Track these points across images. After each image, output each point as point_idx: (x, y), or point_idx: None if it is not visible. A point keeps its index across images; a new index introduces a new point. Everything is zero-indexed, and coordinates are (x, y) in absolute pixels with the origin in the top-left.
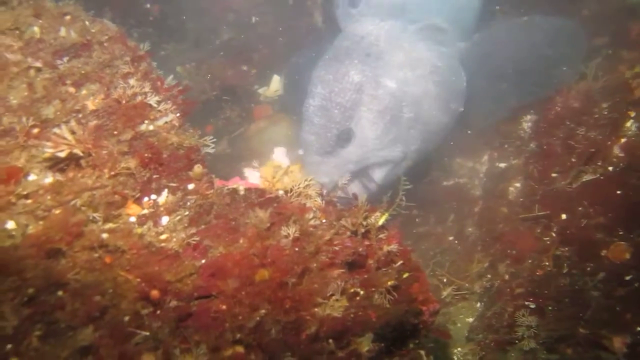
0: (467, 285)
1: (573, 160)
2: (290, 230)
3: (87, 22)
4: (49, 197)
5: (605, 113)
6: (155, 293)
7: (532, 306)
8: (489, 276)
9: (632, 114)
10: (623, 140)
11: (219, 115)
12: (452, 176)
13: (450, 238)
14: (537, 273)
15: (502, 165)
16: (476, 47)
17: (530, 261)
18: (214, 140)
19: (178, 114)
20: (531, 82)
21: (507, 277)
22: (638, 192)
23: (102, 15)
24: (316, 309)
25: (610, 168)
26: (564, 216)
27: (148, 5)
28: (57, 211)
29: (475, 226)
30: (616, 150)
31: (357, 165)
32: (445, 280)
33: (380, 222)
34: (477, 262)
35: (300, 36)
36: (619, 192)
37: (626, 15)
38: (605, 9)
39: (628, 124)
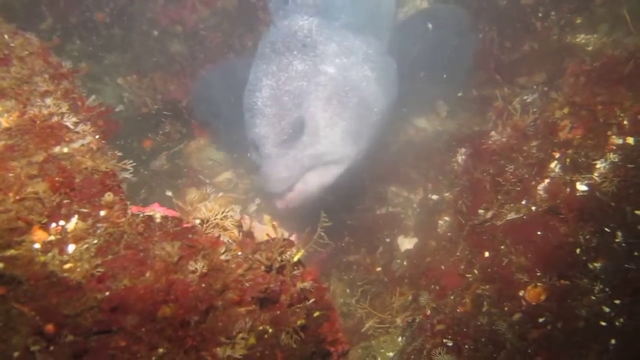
0: (389, 318)
1: (499, 197)
2: (198, 266)
3: (6, 36)
4: None
5: (534, 151)
6: (50, 327)
7: (450, 344)
8: (411, 310)
9: (557, 155)
10: (547, 181)
11: (158, 130)
12: (387, 205)
13: (379, 269)
14: (459, 310)
15: (435, 197)
16: (393, 41)
17: (452, 297)
18: (132, 166)
19: (97, 136)
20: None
21: (429, 312)
22: (557, 235)
23: (43, 21)
24: (218, 349)
25: (534, 208)
26: (487, 254)
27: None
28: None
29: (403, 258)
30: (540, 191)
31: (312, 160)
32: (367, 312)
33: (296, 258)
34: (400, 295)
35: (248, 52)
36: (539, 233)
37: (564, 54)
38: (544, 46)
39: (552, 164)
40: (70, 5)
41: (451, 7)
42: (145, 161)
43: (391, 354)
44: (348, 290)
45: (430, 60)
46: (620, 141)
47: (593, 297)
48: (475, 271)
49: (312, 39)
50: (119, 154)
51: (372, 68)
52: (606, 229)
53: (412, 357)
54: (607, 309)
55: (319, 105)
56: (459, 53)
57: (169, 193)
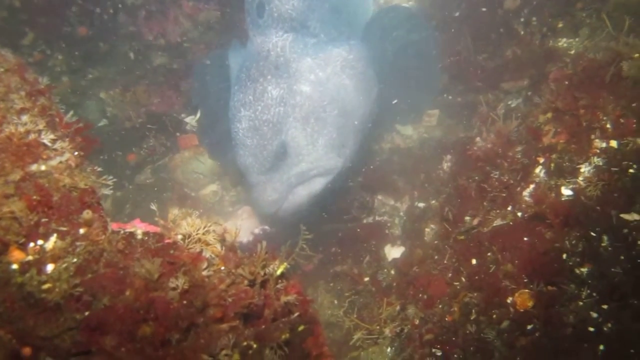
0: (377, 329)
1: (485, 204)
2: (179, 282)
3: None
4: None
5: (519, 157)
6: (27, 350)
7: (439, 354)
8: (400, 320)
9: (541, 160)
10: (532, 186)
11: (142, 143)
12: (373, 214)
13: (366, 279)
14: (447, 319)
15: (421, 205)
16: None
17: (440, 306)
18: (116, 180)
19: (76, 153)
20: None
21: (417, 322)
22: (543, 241)
23: (24, 36)
24: None
25: (519, 214)
26: (474, 261)
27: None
28: None
29: (391, 267)
30: (525, 196)
31: (298, 178)
32: (355, 324)
33: (279, 271)
34: (388, 305)
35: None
36: (525, 239)
37: (546, 59)
38: (527, 51)
39: (537, 170)
40: (52, 20)
41: (404, 8)
42: (130, 175)
43: None
44: (336, 302)
45: (403, 63)
46: (604, 145)
47: (580, 303)
48: (463, 279)
49: (285, 58)
50: (100, 169)
51: (351, 75)
52: (592, 234)
53: None
54: (594, 315)
55: (298, 126)
56: (425, 56)
57: (154, 207)
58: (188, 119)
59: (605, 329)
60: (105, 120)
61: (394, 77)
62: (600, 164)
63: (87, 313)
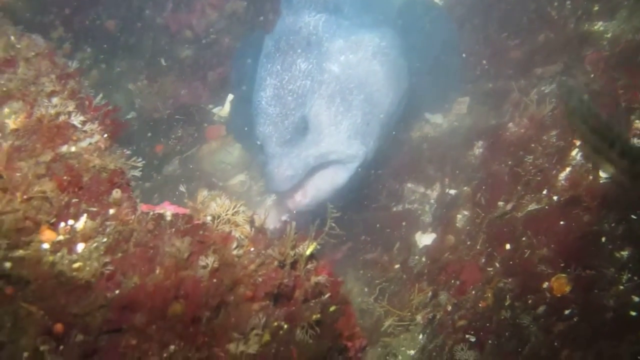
0: (409, 315)
1: (519, 189)
2: (209, 261)
3: (12, 37)
4: None
5: (554, 140)
6: (59, 327)
7: (473, 339)
8: (431, 307)
9: (578, 143)
10: (568, 169)
11: (170, 134)
12: (403, 202)
13: (397, 266)
14: (480, 305)
15: (453, 192)
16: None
17: (473, 292)
18: (145, 172)
19: (105, 135)
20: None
21: (449, 308)
22: (580, 224)
23: (54, 30)
24: (231, 345)
25: (555, 198)
26: (508, 246)
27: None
28: None
29: (422, 254)
30: (561, 180)
31: (317, 159)
32: (386, 310)
33: (309, 251)
34: (419, 292)
35: None
36: (562, 223)
37: (580, 43)
38: (561, 36)
39: (573, 152)
40: (81, 14)
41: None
42: (158, 166)
43: (412, 352)
44: (366, 289)
45: (432, 51)
46: None
47: (621, 287)
48: (497, 264)
49: (317, 37)
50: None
51: (382, 62)
52: (632, 216)
53: (434, 354)
54: (636, 299)
55: (322, 104)
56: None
57: (183, 189)
58: (215, 110)
59: None
60: (134, 113)
61: (422, 66)
62: None
63: (117, 291)
